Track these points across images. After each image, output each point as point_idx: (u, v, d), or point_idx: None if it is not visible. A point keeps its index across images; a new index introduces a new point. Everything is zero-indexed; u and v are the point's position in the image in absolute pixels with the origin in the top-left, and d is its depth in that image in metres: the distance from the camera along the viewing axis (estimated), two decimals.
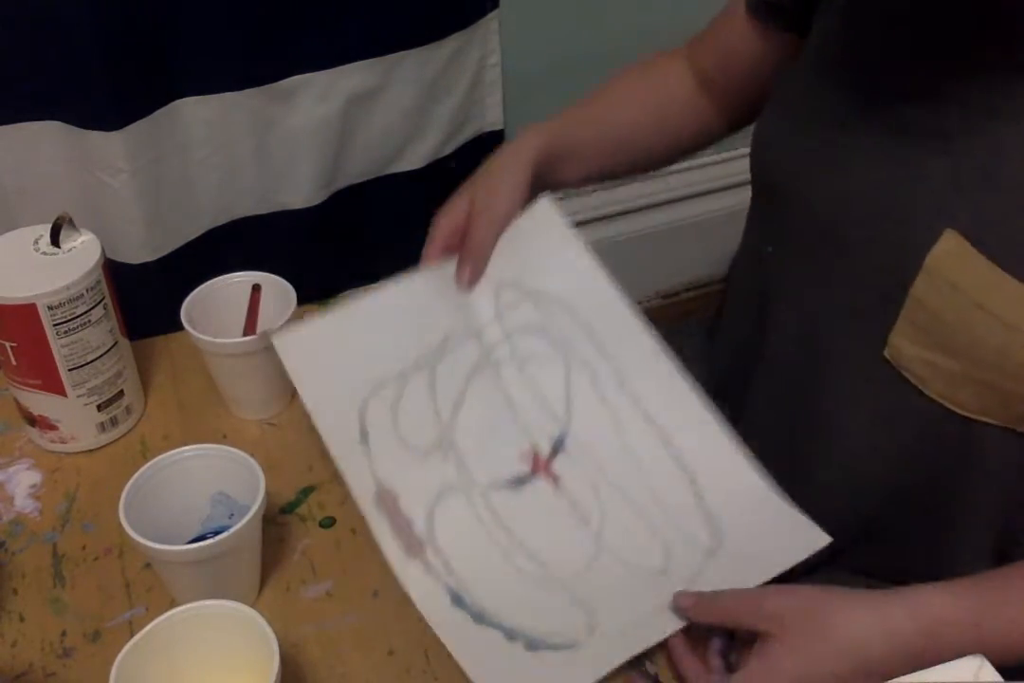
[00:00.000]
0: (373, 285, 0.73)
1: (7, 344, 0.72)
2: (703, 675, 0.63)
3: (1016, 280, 0.57)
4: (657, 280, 1.76)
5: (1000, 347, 0.59)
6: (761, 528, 0.69)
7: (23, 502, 0.75)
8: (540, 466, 0.71)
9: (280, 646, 0.56)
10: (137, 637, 0.57)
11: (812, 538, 0.67)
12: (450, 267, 0.72)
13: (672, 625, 0.64)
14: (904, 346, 0.64)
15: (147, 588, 0.69)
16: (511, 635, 0.65)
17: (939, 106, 0.61)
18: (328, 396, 0.70)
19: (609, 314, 0.73)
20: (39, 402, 0.76)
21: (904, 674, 0.54)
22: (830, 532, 0.68)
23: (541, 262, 0.74)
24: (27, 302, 0.69)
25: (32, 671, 0.65)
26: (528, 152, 0.75)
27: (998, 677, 0.54)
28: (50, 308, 0.70)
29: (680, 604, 0.64)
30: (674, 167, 1.61)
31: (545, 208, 0.74)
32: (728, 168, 1.62)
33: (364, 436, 0.70)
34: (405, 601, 0.68)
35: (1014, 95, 0.58)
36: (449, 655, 0.65)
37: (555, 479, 0.71)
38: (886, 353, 0.65)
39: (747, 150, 0.74)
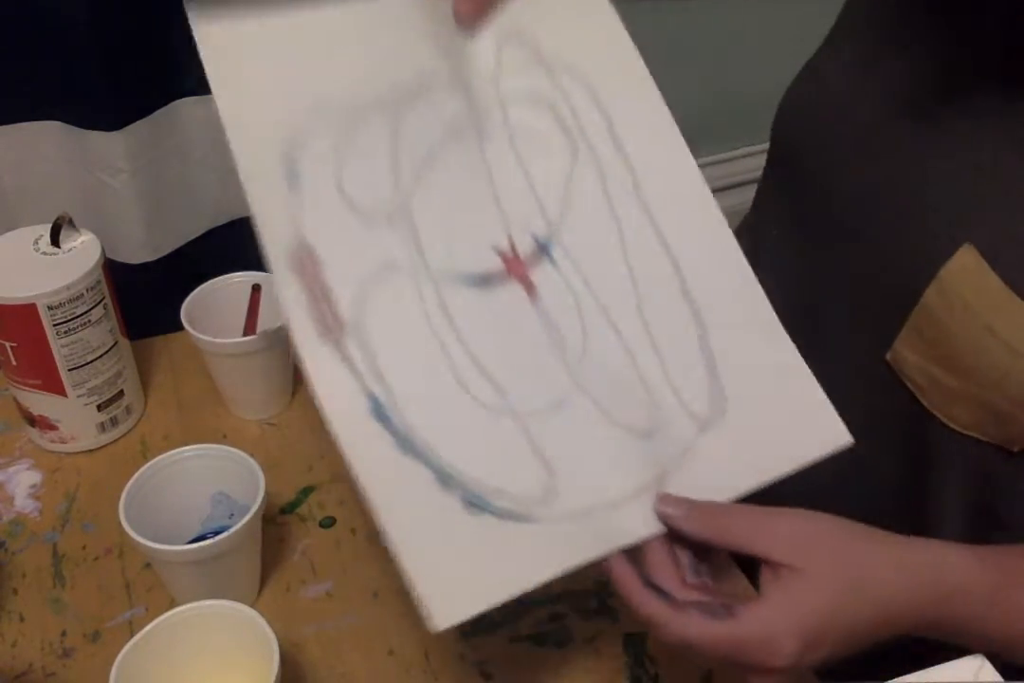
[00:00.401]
0: None
1: (7, 344, 0.72)
2: (680, 589, 0.52)
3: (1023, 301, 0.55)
4: None
5: (1004, 371, 0.58)
6: (774, 409, 0.57)
7: (23, 502, 0.75)
8: (516, 268, 0.55)
9: (280, 646, 0.56)
10: (137, 637, 0.57)
11: (833, 434, 0.57)
12: None
13: (653, 524, 0.53)
14: (907, 354, 0.63)
15: (147, 588, 0.69)
16: (445, 480, 0.51)
17: (978, 114, 0.59)
18: (253, 113, 0.53)
19: (639, 109, 0.58)
20: (39, 402, 0.76)
21: (906, 640, 0.52)
22: None
23: (565, 23, 0.58)
24: (27, 302, 0.69)
25: (32, 671, 0.65)
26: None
27: (998, 677, 0.54)
28: (50, 308, 0.70)
29: (666, 511, 0.53)
30: None
31: None
32: (728, 168, 1.62)
33: (294, 179, 0.52)
34: (405, 601, 0.67)
35: None
36: (449, 655, 0.64)
37: (532, 289, 0.55)
38: (888, 357, 0.64)
39: (747, 150, 0.74)
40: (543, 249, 0.56)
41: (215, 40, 0.54)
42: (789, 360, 0.58)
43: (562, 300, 0.56)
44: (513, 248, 0.56)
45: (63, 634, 0.67)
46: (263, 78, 0.54)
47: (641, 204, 0.57)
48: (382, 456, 0.50)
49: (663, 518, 0.53)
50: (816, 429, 0.57)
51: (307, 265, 0.51)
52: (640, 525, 0.53)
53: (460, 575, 0.50)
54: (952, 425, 0.63)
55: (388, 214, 0.54)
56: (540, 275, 0.56)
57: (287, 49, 0.54)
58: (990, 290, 0.57)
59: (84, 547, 0.72)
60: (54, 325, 0.71)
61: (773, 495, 0.64)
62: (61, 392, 0.75)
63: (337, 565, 0.71)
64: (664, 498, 0.54)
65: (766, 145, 0.75)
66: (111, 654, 0.55)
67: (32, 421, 0.77)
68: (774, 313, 0.58)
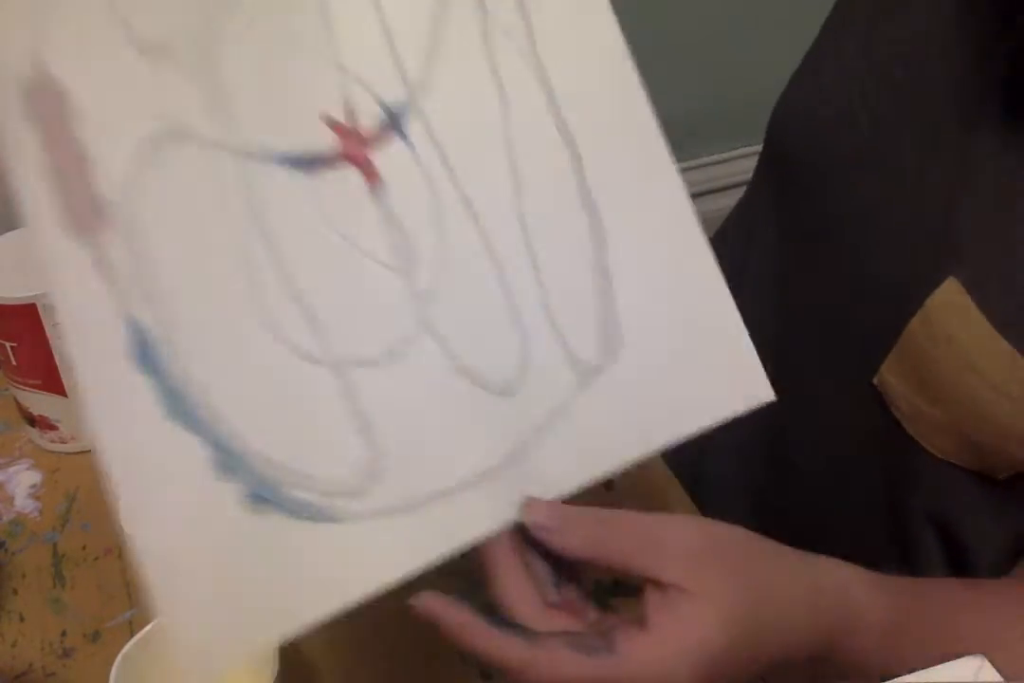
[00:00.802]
0: None
1: (7, 344, 0.72)
2: (540, 615, 0.42)
3: (1009, 345, 0.53)
4: None
5: (986, 407, 0.56)
6: (680, 353, 0.44)
7: (23, 502, 0.75)
8: (355, 146, 0.40)
9: (280, 646, 0.56)
10: (137, 637, 0.57)
11: (752, 388, 0.45)
12: None
13: (502, 515, 0.41)
14: (892, 380, 0.61)
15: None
16: (225, 462, 0.36)
17: (981, 139, 0.57)
18: None
19: None
20: (39, 402, 0.76)
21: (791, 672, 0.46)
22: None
23: None
24: (27, 302, 0.69)
25: (32, 671, 0.65)
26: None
27: (998, 677, 0.54)
28: (50, 308, 0.70)
29: (535, 520, 0.42)
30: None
31: None
32: (728, 168, 1.62)
33: None
34: (405, 601, 0.67)
35: None
36: (449, 655, 0.64)
37: (373, 176, 0.40)
38: (875, 380, 0.62)
39: (747, 150, 0.74)
40: (394, 121, 0.41)
41: None
42: (709, 289, 0.45)
43: (414, 193, 0.41)
44: (353, 118, 0.40)
45: (63, 634, 0.67)
46: None
47: (536, 61, 0.43)
48: (137, 420, 0.36)
49: (532, 529, 0.42)
50: (731, 380, 0.45)
51: (52, 112, 0.36)
52: (485, 518, 0.40)
53: (231, 602, 0.37)
54: (935, 453, 0.61)
55: (181, 52, 0.38)
56: (387, 157, 0.40)
57: None
58: (973, 327, 0.55)
59: (84, 547, 0.72)
60: (54, 325, 0.71)
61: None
62: (61, 392, 0.74)
63: None
64: (532, 506, 0.42)
65: None
66: (111, 654, 0.55)
67: (32, 421, 0.77)
68: (700, 231, 0.46)
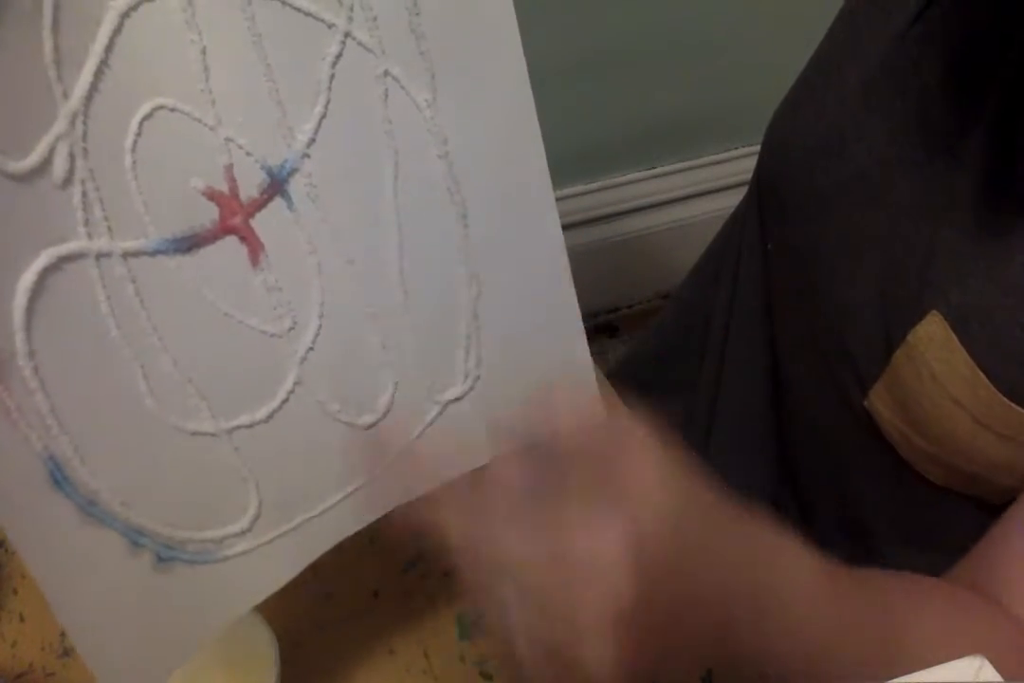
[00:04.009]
0: None
1: None
2: None
3: (989, 382, 0.53)
4: (657, 280, 1.77)
5: (970, 441, 0.56)
6: (528, 369, 0.45)
7: None
8: (233, 214, 0.37)
9: (280, 646, 0.56)
10: None
11: (581, 370, 0.46)
12: None
13: (366, 516, 0.45)
14: (880, 408, 0.61)
15: None
16: (135, 539, 0.39)
17: (962, 172, 0.56)
18: None
19: None
20: None
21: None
22: None
23: None
24: None
25: (32, 671, 0.65)
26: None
27: (998, 677, 0.54)
28: None
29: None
30: (674, 167, 1.62)
31: None
32: (728, 168, 1.62)
33: None
34: (405, 601, 0.68)
35: None
36: (449, 655, 0.64)
37: (255, 246, 0.38)
38: (866, 404, 0.62)
39: (747, 150, 0.74)
40: (277, 184, 0.38)
41: None
42: (553, 280, 0.45)
43: (296, 261, 0.39)
44: (232, 182, 0.37)
45: (63, 634, 0.67)
46: None
47: (433, 129, 0.40)
48: (62, 532, 0.37)
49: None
50: (566, 365, 0.46)
51: None
52: (350, 522, 0.45)
53: (148, 639, 0.41)
54: (929, 477, 0.61)
55: (55, 135, 0.34)
56: (269, 225, 0.38)
57: None
58: (956, 363, 0.55)
59: None
60: None
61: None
62: None
63: (337, 565, 0.71)
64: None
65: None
66: None
67: None
68: (566, 266, 0.45)
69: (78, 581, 0.38)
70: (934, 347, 0.56)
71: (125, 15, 0.33)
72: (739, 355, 0.74)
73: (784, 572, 0.45)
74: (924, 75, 0.59)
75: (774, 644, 0.45)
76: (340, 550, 0.72)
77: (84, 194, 0.35)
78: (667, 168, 1.63)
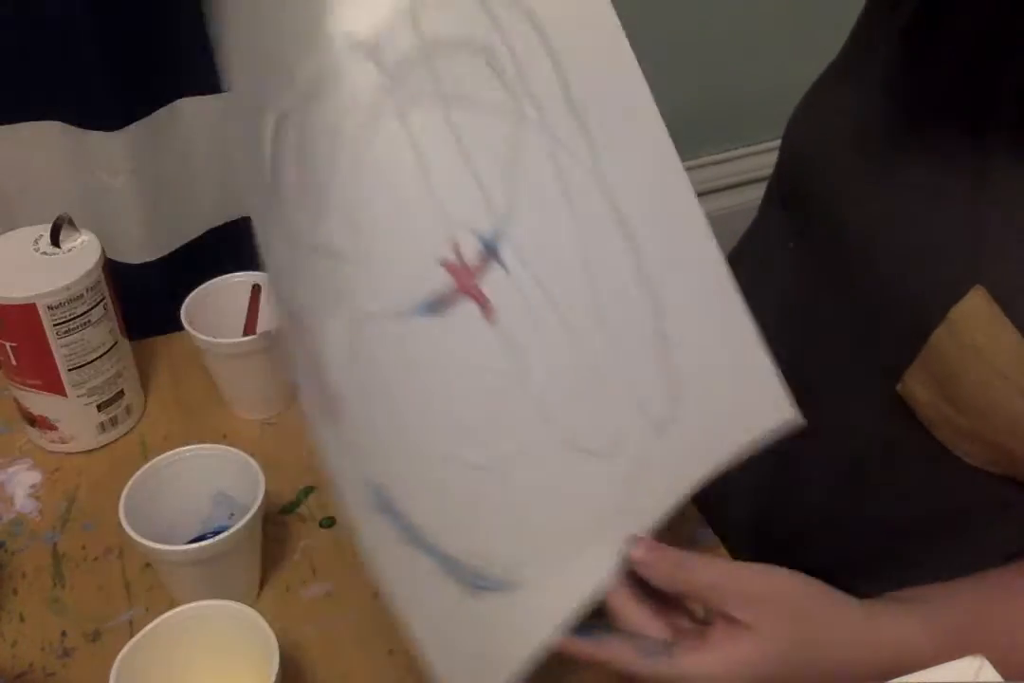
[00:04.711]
0: None
1: (7, 344, 0.72)
2: (645, 621, 0.51)
3: None
4: None
5: (1016, 415, 0.57)
6: (724, 390, 0.51)
7: (23, 502, 0.75)
8: (467, 280, 0.45)
9: (280, 646, 0.56)
10: (137, 637, 0.57)
11: (780, 412, 0.52)
12: None
13: (611, 559, 0.50)
14: (917, 389, 0.61)
15: (147, 588, 0.69)
16: (449, 566, 0.47)
17: (991, 150, 0.57)
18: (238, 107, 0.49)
19: (600, 57, 0.46)
20: (39, 402, 0.76)
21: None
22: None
23: None
24: (27, 302, 0.69)
25: (32, 671, 0.65)
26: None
27: (998, 677, 0.54)
28: (50, 308, 0.70)
29: (635, 555, 0.51)
30: None
31: None
32: (728, 168, 1.62)
33: (274, 189, 0.46)
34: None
35: None
36: None
37: (487, 306, 0.46)
38: (899, 389, 0.62)
39: (747, 150, 0.74)
40: (491, 251, 0.45)
41: None
42: (742, 336, 0.52)
43: (520, 315, 0.47)
44: (459, 254, 0.45)
45: (63, 634, 0.67)
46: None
47: (600, 179, 0.47)
48: (393, 553, 0.48)
49: (631, 559, 0.51)
50: (764, 405, 0.52)
51: (296, 324, 0.47)
52: (607, 561, 0.50)
53: (477, 656, 0.49)
54: (967, 460, 0.61)
55: (312, 245, 0.45)
56: (492, 286, 0.46)
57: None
58: (1002, 335, 0.55)
59: (84, 547, 0.72)
60: (54, 325, 0.71)
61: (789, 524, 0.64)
62: (61, 392, 0.75)
63: (337, 565, 0.71)
64: (633, 542, 0.51)
65: (764, 145, 0.75)
66: (111, 654, 0.55)
67: (32, 421, 0.77)
68: (738, 296, 0.52)
69: (407, 594, 0.47)
70: (978, 322, 0.56)
71: (358, 139, 0.43)
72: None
73: (912, 663, 0.47)
74: (941, 58, 0.60)
75: None
76: (340, 550, 0.72)
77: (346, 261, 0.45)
78: None
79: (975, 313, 0.56)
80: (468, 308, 0.46)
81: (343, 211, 0.45)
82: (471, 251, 0.45)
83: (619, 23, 0.48)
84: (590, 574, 0.49)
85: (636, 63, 0.48)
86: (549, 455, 0.48)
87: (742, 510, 0.77)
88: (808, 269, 0.70)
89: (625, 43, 0.48)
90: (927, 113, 0.61)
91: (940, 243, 0.59)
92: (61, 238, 0.73)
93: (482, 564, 0.48)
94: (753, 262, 0.76)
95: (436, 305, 0.45)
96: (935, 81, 0.61)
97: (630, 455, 0.50)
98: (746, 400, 0.52)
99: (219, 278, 0.80)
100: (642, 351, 0.50)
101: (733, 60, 1.59)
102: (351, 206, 0.44)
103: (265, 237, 0.48)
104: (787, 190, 0.72)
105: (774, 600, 0.52)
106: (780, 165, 0.72)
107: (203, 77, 1.11)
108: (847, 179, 0.65)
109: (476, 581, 0.48)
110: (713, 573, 0.52)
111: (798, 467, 0.72)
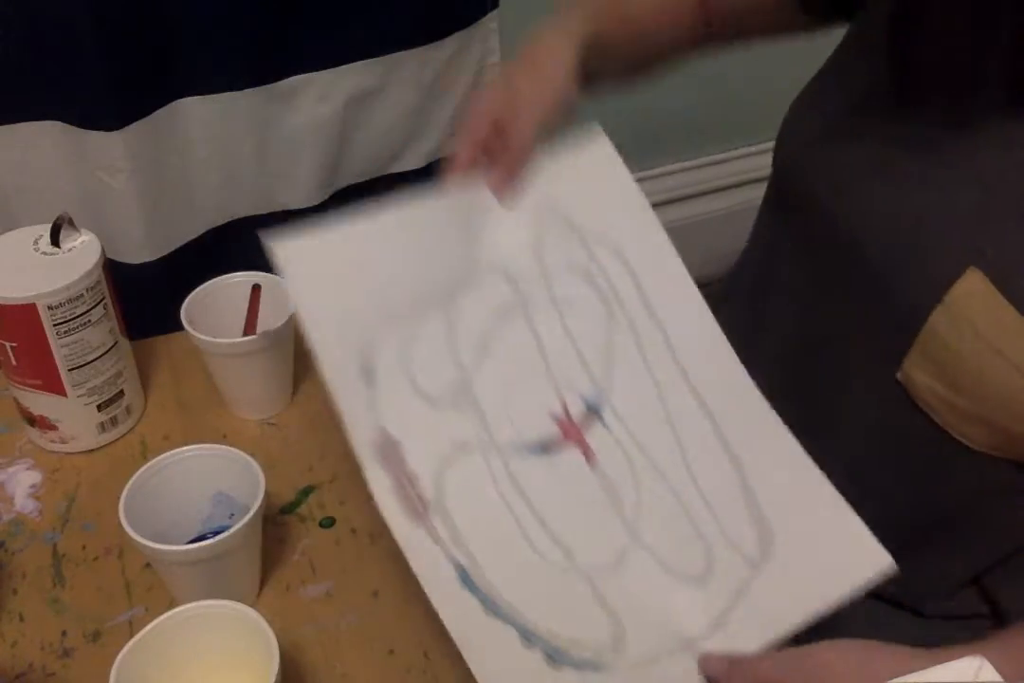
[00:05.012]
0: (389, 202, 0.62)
1: (7, 344, 0.72)
2: None
3: None
4: None
5: (1013, 393, 0.58)
6: (816, 540, 0.60)
7: (23, 502, 0.75)
8: (572, 432, 0.61)
9: (280, 646, 0.56)
10: (137, 637, 0.57)
11: (875, 559, 0.59)
12: (482, 188, 0.63)
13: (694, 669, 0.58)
14: (916, 374, 0.62)
15: (147, 588, 0.69)
16: (528, 638, 0.56)
17: (978, 135, 0.59)
18: (330, 321, 0.60)
19: (663, 273, 0.64)
20: (39, 402, 0.76)
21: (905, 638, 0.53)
22: None
23: (593, 197, 0.64)
24: (27, 302, 0.69)
25: (32, 671, 0.65)
26: (575, 37, 0.66)
27: (998, 677, 0.54)
28: (50, 308, 0.70)
29: (710, 671, 0.57)
30: (674, 167, 1.62)
31: (599, 139, 0.65)
32: (728, 168, 1.62)
33: (370, 375, 0.59)
34: (405, 601, 0.68)
35: None
36: (449, 655, 0.64)
37: (589, 452, 0.61)
38: (899, 376, 0.63)
39: (747, 150, 0.74)
40: (594, 411, 0.62)
41: (294, 265, 0.60)
42: (822, 492, 0.61)
43: (616, 460, 0.61)
44: (567, 412, 0.61)
45: (63, 634, 0.67)
46: (338, 293, 0.60)
47: (674, 361, 0.63)
48: (472, 619, 0.55)
49: (706, 674, 0.57)
50: (858, 556, 0.60)
51: (390, 453, 0.58)
52: (695, 672, 0.57)
53: None
54: (968, 443, 0.62)
55: (454, 398, 0.60)
56: (594, 437, 0.61)
57: (355, 256, 0.61)
58: (999, 314, 0.57)
59: (84, 547, 0.72)
60: (54, 325, 0.71)
61: None
62: (61, 392, 0.75)
63: (337, 565, 0.71)
64: (705, 659, 0.57)
65: (765, 145, 0.75)
66: (111, 654, 0.56)
67: (32, 421, 0.77)
68: (799, 447, 0.62)
69: (492, 662, 0.55)
70: (974, 301, 0.58)
71: (495, 343, 0.62)
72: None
73: None
74: (927, 45, 0.61)
75: None
76: (340, 550, 0.72)
77: (478, 413, 0.60)
78: (667, 168, 1.63)
79: (971, 294, 0.58)
80: (572, 452, 0.61)
81: (487, 369, 0.61)
82: (577, 409, 0.62)
83: (668, 239, 0.64)
84: (677, 676, 0.57)
85: (680, 262, 0.64)
86: (642, 570, 0.59)
87: None
88: (808, 266, 0.71)
89: (674, 253, 0.64)
90: (914, 98, 0.63)
91: (933, 228, 0.60)
92: (61, 238, 0.73)
93: (564, 644, 0.56)
94: (759, 265, 0.77)
95: (545, 447, 0.61)
96: (921, 68, 0.62)
97: (727, 586, 0.59)
98: (842, 555, 0.60)
99: (219, 278, 0.80)
100: (730, 502, 0.61)
101: (733, 61, 1.59)
102: (495, 367, 0.61)
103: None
104: (784, 190, 0.73)
105: (841, 674, 0.54)
106: (775, 166, 0.73)
107: (203, 77, 1.12)
108: (838, 174, 0.66)
109: (555, 655, 0.56)
110: (782, 663, 0.56)
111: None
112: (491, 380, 0.61)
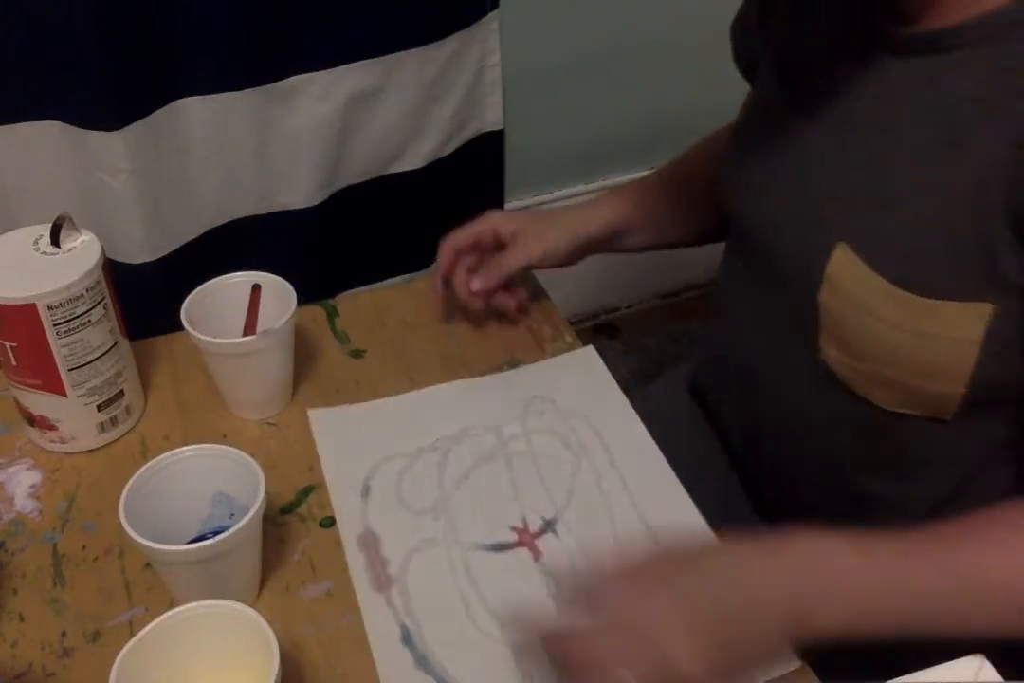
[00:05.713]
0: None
1: (7, 344, 0.72)
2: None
3: (895, 286, 0.62)
4: (657, 280, 1.76)
5: (893, 347, 0.65)
6: None
7: (23, 502, 0.75)
8: (526, 539, 0.73)
9: (280, 646, 0.56)
10: (137, 637, 0.57)
11: (786, 665, 0.64)
12: (480, 383, 0.85)
13: None
14: (829, 350, 0.69)
15: (147, 588, 0.69)
16: None
17: (837, 122, 0.67)
18: (344, 459, 0.78)
19: (629, 438, 0.80)
20: (39, 402, 0.76)
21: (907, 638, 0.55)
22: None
23: (578, 392, 0.84)
24: (27, 302, 0.69)
25: (32, 671, 0.65)
26: (603, 220, 0.87)
27: (998, 677, 0.54)
28: (50, 308, 0.70)
29: (552, 641, 0.60)
30: None
31: (590, 354, 0.88)
32: None
33: (366, 491, 0.76)
34: None
35: (897, 111, 0.63)
36: None
37: (537, 553, 0.72)
38: (822, 356, 0.70)
39: None
40: (549, 525, 0.75)
41: (323, 424, 0.81)
42: None
43: (559, 556, 0.73)
44: (526, 526, 0.75)
45: (63, 634, 0.67)
46: (353, 444, 0.79)
47: (627, 493, 0.76)
48: (402, 669, 0.65)
49: (553, 648, 0.59)
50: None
51: (369, 542, 0.73)
52: None
53: None
54: (882, 405, 0.68)
55: (433, 510, 0.75)
56: (545, 543, 0.73)
57: (374, 420, 0.81)
58: (864, 278, 0.64)
59: (84, 547, 0.72)
60: (54, 325, 0.71)
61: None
62: (61, 392, 0.75)
63: (337, 565, 0.71)
64: (544, 639, 0.60)
65: None
66: (111, 654, 0.55)
67: (32, 421, 0.77)
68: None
69: None
70: (844, 272, 0.65)
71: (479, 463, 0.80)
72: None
73: (820, 575, 0.57)
74: (808, 36, 0.71)
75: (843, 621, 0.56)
76: (340, 550, 0.72)
77: (451, 521, 0.75)
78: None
79: (842, 266, 0.65)
80: (522, 553, 0.73)
81: (465, 494, 0.77)
82: (535, 524, 0.75)
83: (637, 418, 0.82)
84: None
85: (648, 435, 0.81)
86: None
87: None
88: (738, 272, 0.80)
89: (642, 427, 0.81)
90: (798, 86, 0.72)
91: (809, 218, 0.69)
92: (61, 238, 0.73)
93: None
94: (725, 271, 0.86)
95: (501, 547, 0.73)
96: (802, 58, 0.72)
97: None
98: None
99: (219, 278, 0.80)
100: None
101: (732, 61, 1.59)
102: (472, 493, 0.77)
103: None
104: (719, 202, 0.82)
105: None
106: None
107: (203, 77, 1.12)
108: (745, 187, 0.76)
109: None
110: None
111: (759, 448, 0.83)
112: (466, 500, 0.76)
